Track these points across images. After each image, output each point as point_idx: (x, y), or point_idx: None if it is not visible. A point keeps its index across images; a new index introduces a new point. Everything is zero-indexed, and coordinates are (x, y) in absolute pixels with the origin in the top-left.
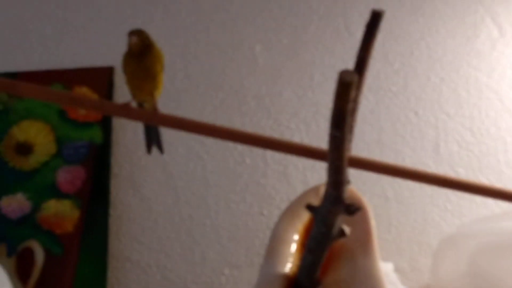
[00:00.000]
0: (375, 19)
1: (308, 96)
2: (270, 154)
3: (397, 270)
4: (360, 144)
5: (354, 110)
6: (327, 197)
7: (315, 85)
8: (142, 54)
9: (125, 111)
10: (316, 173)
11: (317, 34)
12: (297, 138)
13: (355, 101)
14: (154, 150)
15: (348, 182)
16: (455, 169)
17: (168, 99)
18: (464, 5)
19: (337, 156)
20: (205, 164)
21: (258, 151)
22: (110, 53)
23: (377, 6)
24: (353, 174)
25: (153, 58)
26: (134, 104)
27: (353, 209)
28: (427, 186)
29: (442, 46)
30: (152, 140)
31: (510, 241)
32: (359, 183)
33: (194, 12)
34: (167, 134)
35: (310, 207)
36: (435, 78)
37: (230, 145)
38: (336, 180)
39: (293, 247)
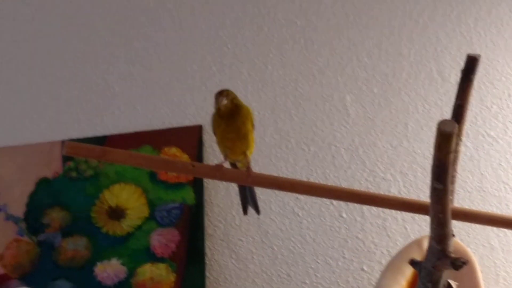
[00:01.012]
0: (471, 64)
1: (404, 146)
2: (367, 207)
3: None
4: (461, 193)
5: (455, 160)
6: (432, 251)
7: (410, 134)
8: (231, 114)
9: (219, 173)
10: (417, 225)
11: (409, 81)
12: (394, 189)
13: (456, 151)
14: (250, 210)
15: (452, 235)
16: None
17: (259, 156)
18: None
19: (440, 209)
20: (301, 220)
21: (354, 205)
22: (198, 111)
23: (470, 49)
24: (456, 224)
25: (243, 118)
26: (226, 164)
27: (460, 263)
28: None
29: None
30: (248, 200)
31: None
32: (462, 233)
33: (281, 66)
34: (260, 191)
35: (414, 263)
36: None
37: (325, 200)
38: (440, 234)
39: None
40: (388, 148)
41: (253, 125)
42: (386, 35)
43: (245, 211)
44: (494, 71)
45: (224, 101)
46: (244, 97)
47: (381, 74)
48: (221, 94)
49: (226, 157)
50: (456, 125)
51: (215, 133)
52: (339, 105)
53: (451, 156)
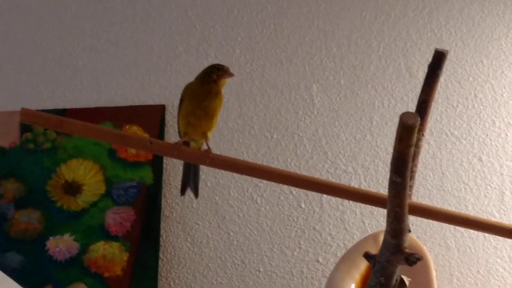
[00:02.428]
0: (439, 59)
1: (367, 139)
2: (326, 199)
3: None
4: (422, 190)
5: (415, 155)
6: (386, 245)
7: (374, 128)
8: (212, 93)
9: (177, 151)
10: (375, 220)
11: (377, 75)
12: (354, 182)
13: (417, 146)
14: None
15: (409, 230)
16: None
17: (221, 140)
18: None
19: (397, 202)
20: (259, 208)
21: (314, 196)
22: (162, 91)
23: (440, 47)
24: (413, 221)
25: (218, 100)
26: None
27: (414, 259)
28: (491, 235)
29: (508, 89)
30: (189, 182)
31: None
32: (419, 231)
33: (249, 50)
34: (219, 176)
35: (368, 256)
36: (500, 122)
37: (285, 188)
38: (396, 228)
39: None
40: (351, 141)
41: (220, 108)
42: (356, 27)
43: (183, 192)
44: (462, 71)
45: (232, 75)
46: None
47: (349, 66)
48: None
49: (184, 134)
50: (419, 118)
51: (181, 105)
52: (305, 94)
53: (412, 149)
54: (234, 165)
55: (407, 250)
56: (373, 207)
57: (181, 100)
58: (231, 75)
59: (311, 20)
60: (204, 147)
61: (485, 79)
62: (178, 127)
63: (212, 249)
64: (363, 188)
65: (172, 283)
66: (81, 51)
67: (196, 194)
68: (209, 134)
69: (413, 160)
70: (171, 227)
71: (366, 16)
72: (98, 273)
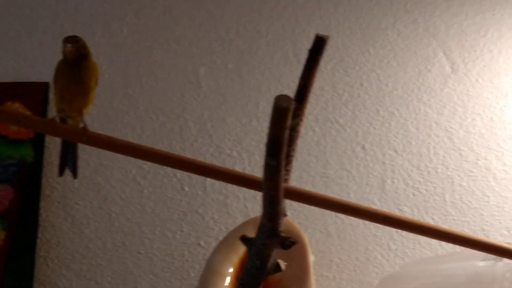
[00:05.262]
0: (319, 44)
1: (253, 124)
2: (210, 182)
3: None
4: (305, 177)
5: (293, 139)
6: (262, 229)
7: (260, 113)
8: (76, 65)
9: (52, 128)
10: (257, 204)
11: (265, 60)
12: (239, 167)
13: (295, 130)
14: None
15: (284, 214)
16: (400, 208)
17: (106, 120)
18: (416, 37)
19: (272, 186)
20: (142, 189)
21: (197, 179)
22: (46, 68)
23: (328, 34)
24: (295, 208)
25: (88, 72)
26: (58, 119)
27: (289, 243)
28: (371, 223)
29: (392, 79)
30: (67, 162)
31: (450, 284)
32: (301, 217)
33: (137, 30)
34: (102, 156)
35: (244, 239)
36: (384, 112)
37: (169, 171)
38: (272, 212)
39: (227, 281)
40: (237, 125)
41: (97, 83)
42: (246, 11)
43: (61, 173)
44: (349, 59)
45: (69, 48)
46: (96, 58)
47: (237, 50)
48: (68, 40)
49: (59, 111)
50: (293, 102)
51: (55, 82)
52: (192, 77)
53: (286, 132)
54: (114, 144)
55: (282, 234)
56: (257, 192)
57: (54, 75)
58: (65, 47)
59: (200, 3)
60: (82, 125)
61: (371, 68)
62: (55, 104)
63: (93, 230)
64: (247, 172)
65: (50, 263)
66: None
67: (74, 174)
68: (85, 111)
69: (291, 144)
70: (51, 206)
71: (255, 1)
72: None
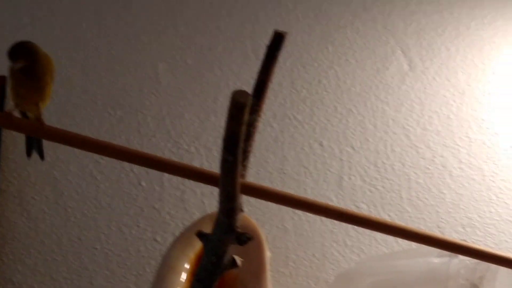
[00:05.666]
0: (278, 40)
1: (211, 120)
2: (167, 178)
3: None
4: (262, 173)
5: (250, 135)
6: (218, 224)
7: (219, 109)
8: (29, 67)
9: (7, 121)
10: (215, 200)
11: (224, 56)
12: (196, 162)
13: (252, 125)
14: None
15: (241, 209)
16: (357, 204)
17: (63, 115)
18: (375, 35)
19: (229, 181)
20: (98, 184)
21: (154, 174)
22: (3, 61)
23: (286, 30)
24: (252, 203)
25: (43, 67)
26: (16, 113)
27: (245, 238)
28: (328, 219)
29: (351, 77)
30: (33, 145)
31: (405, 280)
32: (258, 213)
33: (96, 25)
34: (59, 151)
35: (200, 235)
36: (342, 109)
37: (126, 166)
38: (228, 207)
39: (183, 277)
40: (195, 121)
41: (52, 78)
42: (205, 7)
43: (28, 154)
44: (308, 56)
45: (19, 66)
46: (54, 53)
47: (197, 46)
48: (13, 53)
49: (16, 105)
50: (250, 97)
51: (10, 77)
52: (150, 72)
53: (243, 128)
54: (70, 139)
55: (239, 230)
56: (214, 187)
57: (9, 71)
58: (15, 66)
59: None
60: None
61: (330, 65)
62: (11, 99)
63: (48, 224)
64: (205, 168)
65: (5, 259)
66: None
67: (41, 156)
68: (42, 106)
69: (248, 140)
70: (7, 201)
71: None
72: None
